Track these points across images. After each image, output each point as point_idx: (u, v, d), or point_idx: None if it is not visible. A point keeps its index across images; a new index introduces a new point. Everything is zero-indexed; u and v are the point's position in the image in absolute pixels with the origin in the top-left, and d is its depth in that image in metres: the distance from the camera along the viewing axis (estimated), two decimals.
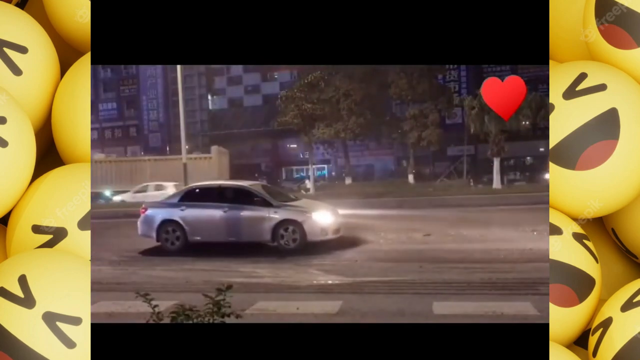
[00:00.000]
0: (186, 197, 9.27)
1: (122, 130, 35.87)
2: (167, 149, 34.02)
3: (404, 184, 25.69)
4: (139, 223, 9.32)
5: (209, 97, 36.19)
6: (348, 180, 28.48)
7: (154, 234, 9.09)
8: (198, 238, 8.94)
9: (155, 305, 3.67)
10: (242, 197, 9.00)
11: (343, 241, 8.97)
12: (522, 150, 27.70)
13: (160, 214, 9.13)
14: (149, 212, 9.27)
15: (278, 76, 34.68)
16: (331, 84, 26.92)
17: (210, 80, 35.71)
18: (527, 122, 24.80)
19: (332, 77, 26.98)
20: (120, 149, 33.55)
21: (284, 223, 8.64)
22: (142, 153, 34.60)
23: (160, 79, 35.62)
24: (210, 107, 36.15)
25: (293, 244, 8.56)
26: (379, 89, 26.98)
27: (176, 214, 9.01)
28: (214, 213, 8.91)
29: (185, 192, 9.46)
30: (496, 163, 24.65)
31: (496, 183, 24.16)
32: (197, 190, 9.46)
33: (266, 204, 8.80)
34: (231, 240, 8.84)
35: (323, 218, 8.84)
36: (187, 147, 23.72)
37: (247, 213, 8.83)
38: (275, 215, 8.69)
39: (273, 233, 8.64)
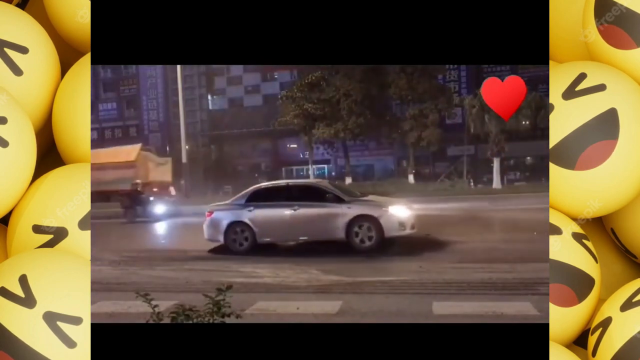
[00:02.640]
0: (253, 197, 8.93)
1: (122, 130, 35.83)
2: (167, 148, 34.02)
3: (404, 184, 25.69)
4: (204, 227, 9.02)
5: (209, 97, 36.19)
6: (348, 180, 28.48)
7: (221, 237, 8.80)
8: (267, 239, 8.67)
9: (155, 305, 3.67)
10: (312, 195, 8.62)
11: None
12: (522, 150, 27.69)
13: (227, 217, 8.83)
14: (215, 215, 8.95)
15: (278, 76, 34.68)
16: (331, 84, 26.95)
17: (210, 80, 35.69)
18: (527, 122, 24.83)
19: (332, 77, 27.00)
20: None
21: (358, 219, 8.23)
22: None
23: (160, 79, 35.62)
24: (210, 107, 36.14)
25: (369, 242, 8.18)
26: (379, 89, 27.00)
27: (244, 216, 8.73)
28: (283, 212, 8.58)
29: (252, 193, 9.06)
30: (496, 163, 24.67)
31: (496, 183, 24.18)
32: (264, 190, 9.13)
33: (338, 200, 8.42)
34: (302, 240, 8.54)
35: (400, 212, 8.39)
36: (187, 147, 23.71)
37: (318, 210, 8.44)
38: (349, 211, 8.29)
39: (347, 230, 8.24)
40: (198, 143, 33.60)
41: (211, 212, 9.07)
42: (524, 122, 25.04)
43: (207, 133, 35.02)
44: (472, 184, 25.88)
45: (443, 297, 5.74)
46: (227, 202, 9.45)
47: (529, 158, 28.63)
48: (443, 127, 27.26)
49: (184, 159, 22.29)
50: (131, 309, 5.41)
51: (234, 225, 8.74)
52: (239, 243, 8.68)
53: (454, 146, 29.52)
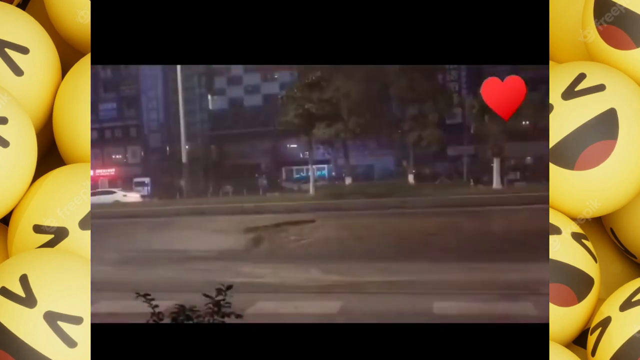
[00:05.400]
0: None
1: (122, 130, 35.84)
2: (167, 148, 34.10)
3: (404, 184, 25.77)
4: None
5: (209, 97, 36.25)
6: (348, 180, 28.57)
7: None
8: None
9: (156, 306, 3.68)
10: None
11: None
12: (523, 150, 27.76)
13: None
14: None
15: (278, 76, 34.76)
16: (331, 84, 27.06)
17: (210, 80, 35.78)
18: (527, 122, 24.93)
19: (333, 77, 27.11)
20: (120, 149, 33.59)
21: None
22: (142, 153, 34.71)
23: (160, 79, 35.67)
24: (210, 107, 36.20)
25: None
26: (379, 89, 27.12)
27: None
28: None
29: None
30: (496, 163, 24.76)
31: (496, 183, 24.25)
32: None
33: None
34: None
35: None
36: (187, 147, 23.80)
37: None
38: None
39: None
40: (198, 143, 33.66)
41: None
42: (524, 122, 25.15)
43: (207, 133, 35.10)
44: (472, 183, 25.95)
45: (445, 297, 5.76)
46: None
47: (529, 158, 28.70)
48: (443, 127, 27.35)
49: (184, 159, 22.35)
50: (131, 309, 5.43)
51: None
52: None
53: (454, 146, 29.60)
